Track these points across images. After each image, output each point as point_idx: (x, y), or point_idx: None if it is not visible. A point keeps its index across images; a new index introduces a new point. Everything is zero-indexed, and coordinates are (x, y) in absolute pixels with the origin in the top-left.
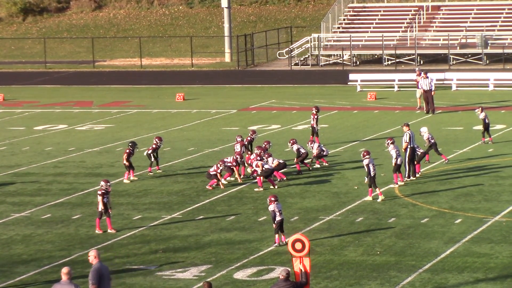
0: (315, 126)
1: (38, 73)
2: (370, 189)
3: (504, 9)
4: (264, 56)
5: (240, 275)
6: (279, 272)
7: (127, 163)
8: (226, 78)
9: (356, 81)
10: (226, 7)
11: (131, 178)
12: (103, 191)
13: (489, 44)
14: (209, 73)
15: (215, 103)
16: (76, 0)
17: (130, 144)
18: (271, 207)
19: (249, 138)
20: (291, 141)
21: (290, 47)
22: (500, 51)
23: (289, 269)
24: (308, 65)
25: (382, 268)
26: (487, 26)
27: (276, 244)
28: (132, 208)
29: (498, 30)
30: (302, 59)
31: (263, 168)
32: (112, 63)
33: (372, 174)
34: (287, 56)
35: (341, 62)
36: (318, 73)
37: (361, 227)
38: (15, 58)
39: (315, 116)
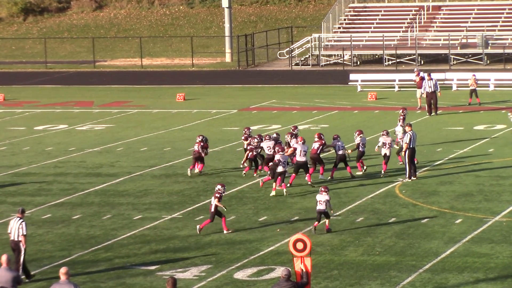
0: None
1: (39, 73)
2: (358, 163)
3: (504, 9)
4: (265, 56)
5: (240, 275)
6: (280, 272)
7: (199, 155)
8: (227, 78)
9: (357, 81)
10: (226, 7)
11: (196, 171)
12: (220, 195)
13: (490, 44)
14: (210, 73)
15: (215, 103)
16: (76, 0)
17: (202, 139)
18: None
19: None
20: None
21: (290, 47)
22: (500, 51)
23: (290, 269)
24: (309, 65)
25: (382, 268)
26: (487, 26)
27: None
28: (132, 208)
29: (499, 30)
30: (302, 59)
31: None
32: (113, 63)
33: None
34: (288, 56)
35: (342, 62)
36: (318, 73)
37: (362, 227)
38: (16, 58)
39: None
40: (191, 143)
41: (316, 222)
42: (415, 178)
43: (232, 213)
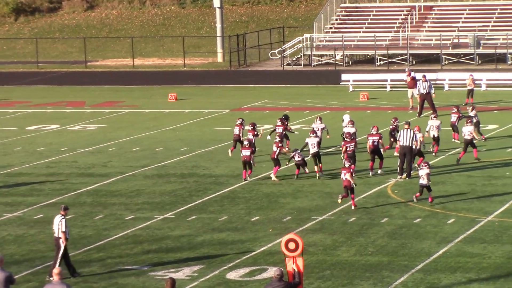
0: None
1: (30, 73)
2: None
3: (496, 9)
4: (257, 56)
5: (232, 275)
6: (272, 272)
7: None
8: (219, 78)
9: (349, 81)
10: (218, 7)
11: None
12: (353, 170)
13: (482, 44)
14: (202, 73)
15: (207, 103)
16: (68, 0)
17: (283, 117)
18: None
19: (391, 127)
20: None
21: (282, 47)
22: (492, 51)
23: (283, 269)
24: (301, 65)
25: (374, 268)
26: (479, 26)
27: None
28: (124, 208)
29: (491, 30)
30: (294, 59)
31: None
32: (104, 63)
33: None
34: (280, 56)
35: (334, 62)
36: (310, 73)
37: (354, 227)
38: (7, 58)
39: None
40: (183, 143)
41: (418, 193)
42: (407, 178)
43: (224, 213)
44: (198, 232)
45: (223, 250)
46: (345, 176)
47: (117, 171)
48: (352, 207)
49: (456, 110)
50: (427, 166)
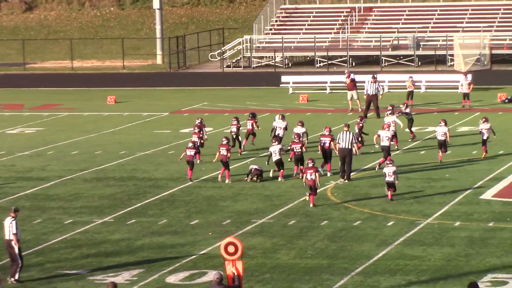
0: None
1: None
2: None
3: (436, 10)
4: (196, 58)
5: (172, 279)
6: (212, 275)
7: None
8: (158, 81)
9: (288, 83)
10: (157, 9)
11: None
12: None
13: (421, 46)
14: (141, 76)
15: (146, 106)
16: (6, 2)
17: (250, 115)
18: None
19: (360, 125)
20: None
21: (222, 49)
22: (432, 52)
23: (222, 273)
24: (240, 67)
25: (314, 271)
26: (419, 28)
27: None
28: (63, 212)
29: (430, 32)
30: (234, 61)
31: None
32: (43, 65)
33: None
34: (219, 58)
35: (273, 64)
36: (250, 75)
37: (294, 230)
38: None
39: None
40: (123, 146)
41: (389, 192)
42: (347, 181)
43: (164, 216)
44: (137, 236)
45: (162, 254)
46: (311, 176)
47: (55, 175)
48: (311, 205)
49: (391, 109)
50: (392, 163)
